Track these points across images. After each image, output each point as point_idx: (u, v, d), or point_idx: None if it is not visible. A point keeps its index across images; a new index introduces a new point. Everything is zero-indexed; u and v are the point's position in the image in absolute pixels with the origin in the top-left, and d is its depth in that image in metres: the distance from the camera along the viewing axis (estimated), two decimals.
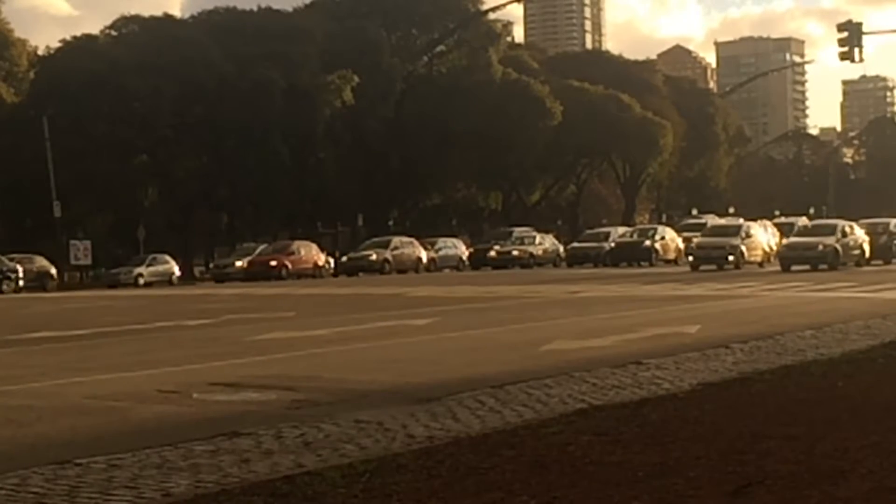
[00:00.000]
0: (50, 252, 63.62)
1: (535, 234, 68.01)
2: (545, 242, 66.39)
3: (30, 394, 13.25)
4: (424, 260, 61.85)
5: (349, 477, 8.03)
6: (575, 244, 65.37)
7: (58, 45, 78.11)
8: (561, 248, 65.95)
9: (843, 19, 52.37)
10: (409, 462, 8.49)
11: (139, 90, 69.53)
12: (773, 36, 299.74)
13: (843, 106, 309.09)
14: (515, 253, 63.23)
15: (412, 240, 64.04)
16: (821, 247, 44.88)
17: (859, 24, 51.06)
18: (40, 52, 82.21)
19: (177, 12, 79.85)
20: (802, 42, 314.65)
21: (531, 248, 64.25)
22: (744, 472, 7.83)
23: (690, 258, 49.85)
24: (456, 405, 11.44)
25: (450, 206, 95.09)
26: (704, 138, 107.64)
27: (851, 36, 50.40)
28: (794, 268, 43.87)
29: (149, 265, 62.73)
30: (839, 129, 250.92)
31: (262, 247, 63.41)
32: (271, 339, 19.51)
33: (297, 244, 62.54)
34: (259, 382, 13.69)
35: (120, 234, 74.50)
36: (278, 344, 18.48)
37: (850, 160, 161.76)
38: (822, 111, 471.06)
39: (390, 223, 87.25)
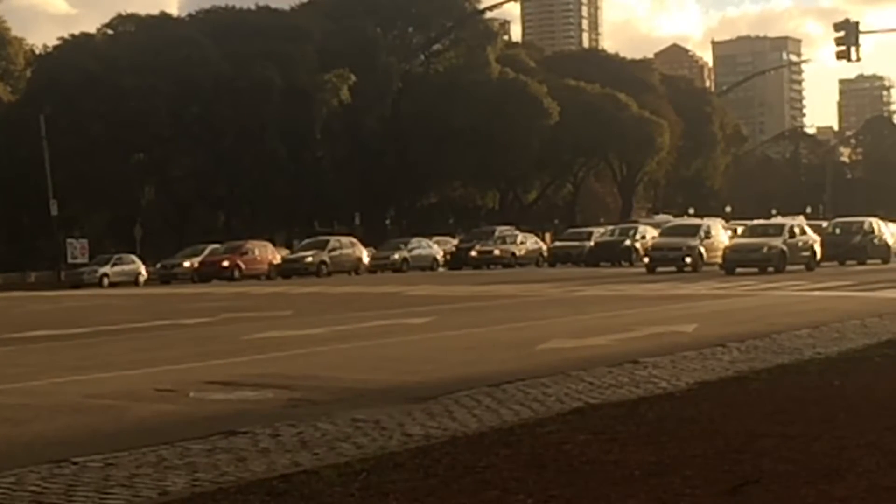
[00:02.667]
0: (47, 251, 63.70)
1: (517, 233, 66.92)
2: (527, 242, 65.28)
3: (27, 392, 13.25)
4: (365, 261, 59.42)
5: (346, 476, 8.03)
6: (557, 243, 64.25)
7: (55, 43, 78.21)
8: (544, 248, 64.86)
9: (841, 18, 52.42)
10: (405, 461, 8.49)
11: (136, 89, 69.50)
12: (771, 35, 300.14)
13: (839, 105, 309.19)
14: (497, 252, 62.03)
15: (352, 240, 61.84)
16: (766, 248, 42.23)
17: (856, 24, 51.08)
18: (37, 51, 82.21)
19: (174, 11, 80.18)
20: (799, 41, 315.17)
21: (513, 248, 63.13)
22: (740, 471, 7.84)
23: (646, 259, 46.85)
24: (453, 404, 11.44)
25: (447, 204, 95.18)
26: (701, 137, 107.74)
27: (848, 35, 50.41)
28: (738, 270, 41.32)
29: (114, 265, 61.04)
30: (836, 128, 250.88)
31: (212, 246, 61.18)
32: (268, 337, 19.51)
33: (251, 244, 60.25)
34: (256, 381, 13.69)
35: (117, 233, 74.47)
36: (275, 343, 18.48)
37: (846, 159, 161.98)
38: (819, 110, 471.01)
39: (387, 221, 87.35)
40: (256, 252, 58.60)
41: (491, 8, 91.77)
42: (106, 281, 58.97)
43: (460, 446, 9.05)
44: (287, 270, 56.38)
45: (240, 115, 70.83)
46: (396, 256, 62.17)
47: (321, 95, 74.17)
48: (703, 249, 45.43)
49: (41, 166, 65.03)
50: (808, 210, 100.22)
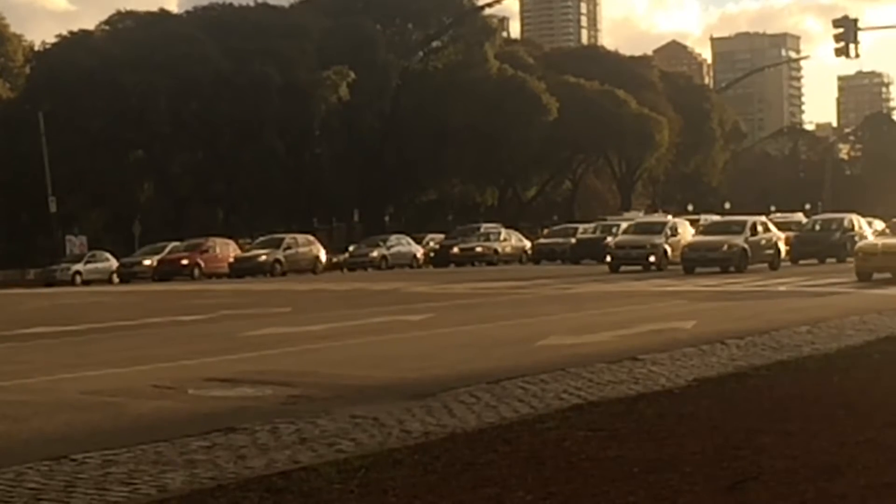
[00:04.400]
0: (45, 247, 63.69)
1: (500, 230, 65.83)
2: (511, 239, 64.09)
3: (25, 389, 13.24)
4: (323, 260, 57.46)
5: (345, 472, 8.03)
6: (541, 240, 62.74)
7: (54, 40, 78.20)
8: (528, 245, 63.11)
9: (840, 15, 52.40)
10: (404, 457, 8.49)
11: (135, 86, 69.51)
12: (770, 32, 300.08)
13: (838, 102, 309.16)
14: (479, 249, 60.69)
15: (309, 238, 59.50)
16: (726, 247, 40.03)
17: (855, 20, 51.08)
18: (36, 48, 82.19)
19: (173, 8, 79.98)
20: (798, 38, 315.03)
21: (495, 245, 61.86)
22: (739, 468, 7.84)
23: (608, 258, 44.15)
24: (451, 401, 11.44)
25: (445, 201, 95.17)
26: (700, 134, 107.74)
27: (847, 32, 50.40)
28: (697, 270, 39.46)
29: (87, 262, 60.30)
30: (835, 124, 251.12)
31: (173, 244, 59.16)
32: (266, 334, 19.49)
33: (212, 241, 58.14)
34: (254, 378, 13.69)
35: (116, 230, 74.48)
36: (273, 340, 18.47)
37: (845, 156, 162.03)
38: (818, 107, 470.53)
39: (386, 218, 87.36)
40: (217, 250, 56.76)
41: (490, 4, 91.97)
42: (79, 279, 57.99)
43: (459, 443, 9.05)
44: (240, 269, 53.59)
45: (239, 112, 70.82)
46: (375, 254, 61.15)
47: (320, 92, 74.18)
48: (668, 248, 43.37)
49: (40, 163, 65.06)
50: (808, 207, 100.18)
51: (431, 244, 66.44)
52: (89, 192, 71.88)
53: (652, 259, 42.90)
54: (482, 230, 65.78)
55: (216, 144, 74.66)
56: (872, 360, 13.71)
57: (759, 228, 42.51)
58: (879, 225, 51.23)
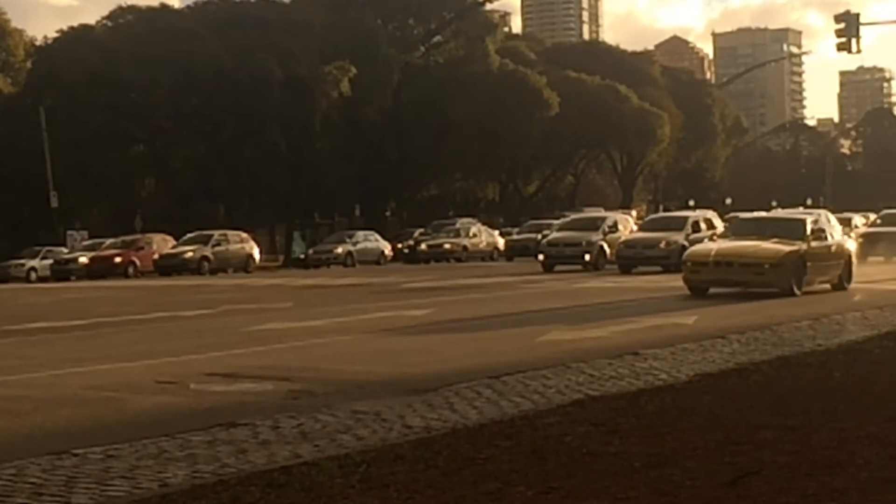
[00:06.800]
0: (47, 242, 63.63)
1: (473, 225, 64.26)
2: (481, 235, 62.07)
3: (27, 384, 13.24)
4: (257, 258, 55.36)
5: (346, 467, 8.04)
6: (514, 236, 59.95)
7: (55, 35, 78.13)
8: (500, 241, 60.84)
9: (842, 10, 52.40)
10: (406, 452, 8.50)
11: (136, 81, 69.43)
12: (772, 27, 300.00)
13: (840, 97, 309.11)
14: (447, 246, 59.41)
15: (241, 234, 56.65)
16: (664, 244, 37.44)
17: (857, 15, 51.09)
18: (38, 43, 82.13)
19: (174, 3, 79.50)
20: (800, 33, 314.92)
21: (465, 241, 60.23)
22: (740, 463, 7.84)
23: (541, 257, 41.74)
24: (453, 396, 11.44)
25: (447, 196, 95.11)
26: (701, 129, 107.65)
27: (849, 26, 50.40)
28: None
29: (43, 258, 58.90)
30: (837, 120, 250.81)
31: (110, 240, 56.96)
32: (268, 329, 19.49)
33: (148, 237, 56.25)
34: (256, 373, 13.70)
35: (117, 225, 74.42)
36: (275, 334, 18.47)
37: (847, 151, 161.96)
38: (820, 102, 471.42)
39: (387, 214, 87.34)
40: (154, 247, 54.50)
41: (491, 0, 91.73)
42: (34, 275, 56.58)
43: (461, 438, 9.06)
44: (165, 267, 51.19)
45: (240, 107, 70.74)
46: (339, 250, 59.73)
47: (321, 87, 74.06)
48: (605, 245, 40.80)
49: (41, 158, 65.03)
50: (809, 202, 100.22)
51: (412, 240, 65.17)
52: (91, 186, 71.81)
53: (587, 257, 40.41)
54: (458, 225, 64.55)
55: (217, 139, 74.57)
56: (873, 356, 13.73)
57: (703, 225, 39.49)
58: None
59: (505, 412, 10.42)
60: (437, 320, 20.85)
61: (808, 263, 25.28)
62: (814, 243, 25.99)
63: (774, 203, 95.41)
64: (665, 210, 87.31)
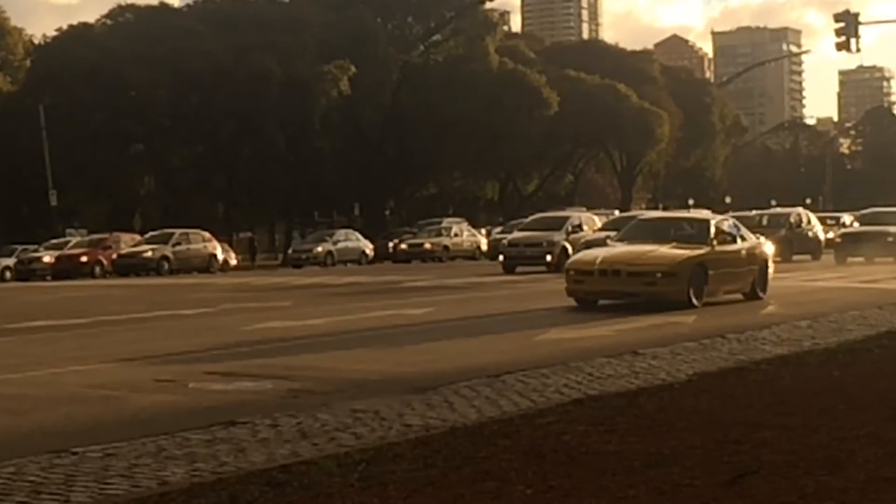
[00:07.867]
0: (46, 240, 63.60)
1: (455, 225, 64.01)
2: (463, 234, 61.89)
3: (26, 382, 13.24)
4: (220, 258, 53.72)
5: (345, 466, 8.04)
6: (495, 234, 57.20)
7: (54, 34, 78.16)
8: (483, 241, 59.97)
9: (842, 9, 52.37)
10: (405, 451, 8.50)
11: (135, 79, 69.46)
12: (772, 26, 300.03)
13: (839, 96, 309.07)
14: (427, 246, 59.07)
15: (205, 234, 54.70)
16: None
17: (856, 14, 51.10)
18: (37, 41, 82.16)
19: (174, 1, 79.40)
20: (799, 32, 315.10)
21: (446, 241, 59.94)
22: (739, 462, 7.84)
23: (501, 258, 40.53)
24: (452, 395, 11.44)
25: (446, 195, 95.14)
26: (701, 128, 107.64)
27: (848, 26, 50.41)
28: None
29: (17, 257, 57.35)
30: (836, 119, 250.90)
31: (77, 239, 55.63)
32: (268, 328, 19.49)
33: (116, 236, 54.97)
34: (255, 371, 13.70)
35: (116, 223, 74.48)
36: (275, 333, 18.48)
37: (846, 150, 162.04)
38: (819, 101, 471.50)
39: (387, 212, 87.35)
40: (122, 246, 53.14)
41: None
42: (8, 274, 55.28)
43: (460, 437, 9.06)
44: (123, 266, 49.74)
45: (239, 105, 70.77)
46: (319, 249, 58.91)
47: (321, 86, 74.08)
48: (567, 246, 38.57)
49: (40, 157, 65.05)
50: (808, 201, 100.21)
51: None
52: (90, 185, 71.84)
53: (549, 258, 38.90)
54: (441, 225, 64.37)
55: (216, 138, 74.62)
56: (873, 355, 13.73)
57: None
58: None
59: (504, 411, 10.42)
60: (435, 319, 20.84)
61: (711, 271, 22.11)
62: (719, 248, 22.86)
63: (773, 202, 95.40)
64: (664, 209, 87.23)
